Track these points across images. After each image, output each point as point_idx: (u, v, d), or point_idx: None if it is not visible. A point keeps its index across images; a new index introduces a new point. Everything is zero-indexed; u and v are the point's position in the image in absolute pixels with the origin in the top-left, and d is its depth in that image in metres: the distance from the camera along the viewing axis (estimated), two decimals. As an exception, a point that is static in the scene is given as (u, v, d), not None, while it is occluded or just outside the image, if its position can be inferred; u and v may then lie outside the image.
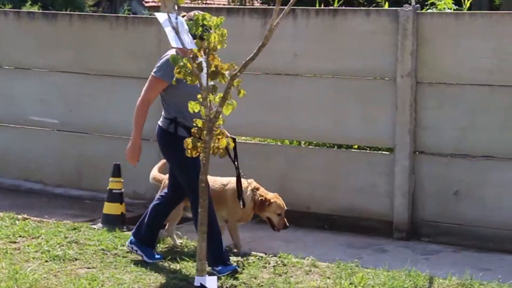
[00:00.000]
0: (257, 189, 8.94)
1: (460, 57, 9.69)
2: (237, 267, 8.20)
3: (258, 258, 8.67)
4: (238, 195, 8.66)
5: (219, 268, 8.12)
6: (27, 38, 12.07)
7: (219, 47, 7.30)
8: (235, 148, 8.03)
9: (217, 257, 8.18)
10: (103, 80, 11.64)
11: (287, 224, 8.87)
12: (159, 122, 8.58)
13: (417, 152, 9.95)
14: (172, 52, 7.81)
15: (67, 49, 11.82)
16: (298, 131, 10.50)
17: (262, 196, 8.89)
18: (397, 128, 9.92)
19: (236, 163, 8.44)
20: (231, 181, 8.93)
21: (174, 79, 7.40)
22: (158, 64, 8.39)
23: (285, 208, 8.89)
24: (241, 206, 8.67)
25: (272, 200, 8.87)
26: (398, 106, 9.89)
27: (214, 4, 25.86)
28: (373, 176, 10.11)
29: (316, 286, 7.86)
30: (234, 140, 7.99)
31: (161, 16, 7.51)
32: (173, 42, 7.32)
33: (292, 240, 9.56)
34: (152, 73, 8.36)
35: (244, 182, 8.80)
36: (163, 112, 8.55)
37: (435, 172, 9.87)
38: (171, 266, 8.49)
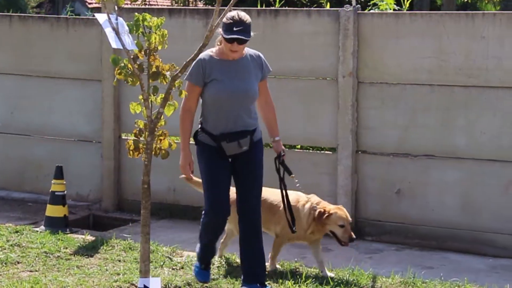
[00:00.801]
0: (318, 203, 8.26)
1: (401, 57, 9.75)
2: None
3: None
4: (288, 215, 7.96)
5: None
6: (-34, 40, 11.97)
7: (160, 47, 7.28)
8: (284, 164, 7.94)
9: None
10: (45, 81, 11.57)
11: (354, 236, 8.12)
12: None
13: (359, 152, 10.00)
14: (202, 54, 7.44)
15: (7, 51, 11.73)
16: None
17: (321, 208, 8.19)
18: (339, 128, 9.96)
19: (283, 181, 7.97)
20: (290, 196, 8.18)
21: (115, 80, 7.38)
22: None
23: (350, 219, 8.24)
24: (291, 231, 7.98)
25: (331, 211, 8.12)
26: (340, 106, 9.93)
27: (157, 5, 25.74)
28: (316, 175, 10.13)
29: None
30: (281, 155, 7.91)
31: (101, 17, 7.44)
32: (113, 43, 7.26)
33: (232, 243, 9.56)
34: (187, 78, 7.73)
35: (302, 198, 8.36)
36: None
37: (378, 172, 9.93)
38: (115, 268, 8.45)
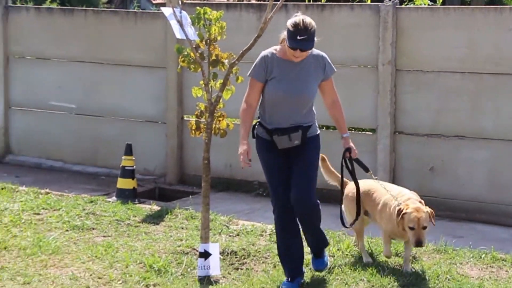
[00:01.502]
0: (405, 201, 7.28)
1: (435, 47, 9.71)
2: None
3: (255, 227, 8.71)
4: (356, 208, 7.48)
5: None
6: (46, 32, 12.07)
7: (219, 38, 7.35)
8: (359, 161, 7.42)
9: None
10: (116, 69, 11.65)
11: (420, 241, 7.05)
12: None
13: (397, 133, 9.98)
14: (264, 51, 7.05)
15: (82, 41, 11.82)
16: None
17: (400, 207, 7.20)
18: (379, 111, 9.96)
19: (353, 174, 7.46)
20: (400, 193, 7.50)
21: (179, 67, 7.44)
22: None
23: (423, 224, 7.07)
24: (349, 225, 7.58)
25: (406, 211, 7.10)
26: (380, 91, 9.92)
27: (214, 0, 25.77)
28: (358, 154, 10.10)
29: (308, 252, 7.90)
30: (350, 151, 7.36)
31: (167, 11, 7.54)
32: (178, 33, 7.35)
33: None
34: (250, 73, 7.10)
35: (399, 195, 7.43)
36: None
37: (413, 150, 9.91)
38: (178, 234, 8.54)
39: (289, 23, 6.83)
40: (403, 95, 9.91)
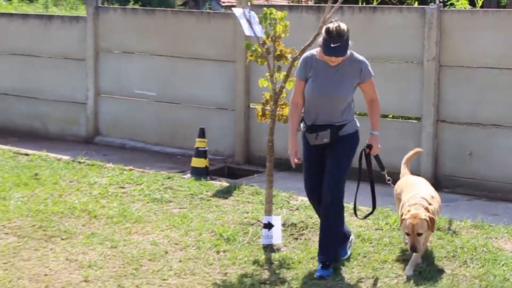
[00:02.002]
0: (410, 205, 6.76)
1: (474, 45, 9.58)
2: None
3: (304, 203, 8.68)
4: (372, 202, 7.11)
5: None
6: (131, 29, 12.14)
7: (283, 35, 7.35)
8: (378, 158, 7.05)
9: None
10: (191, 62, 11.67)
11: (415, 247, 6.56)
12: None
13: (439, 121, 9.87)
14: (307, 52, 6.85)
15: (162, 38, 11.87)
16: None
17: (404, 212, 6.74)
18: (424, 101, 9.86)
19: (370, 170, 7.06)
20: (414, 196, 6.98)
21: (247, 61, 7.45)
22: None
23: (417, 231, 6.55)
24: (363, 217, 7.37)
25: (404, 217, 6.67)
26: (425, 84, 9.82)
27: (277, 2, 25.74)
28: (404, 140, 10.07)
29: (359, 225, 7.88)
30: (370, 147, 6.92)
31: (237, 11, 7.54)
32: (247, 31, 7.36)
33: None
34: (296, 73, 6.93)
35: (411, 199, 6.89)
36: None
37: (454, 137, 9.80)
38: (244, 208, 8.56)
39: (324, 30, 6.55)
40: (446, 87, 9.79)
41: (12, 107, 13.39)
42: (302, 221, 7.96)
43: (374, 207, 7.08)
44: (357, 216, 7.18)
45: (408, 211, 6.66)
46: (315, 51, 6.76)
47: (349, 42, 6.60)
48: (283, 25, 7.28)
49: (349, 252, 7.04)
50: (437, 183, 9.80)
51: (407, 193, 7.10)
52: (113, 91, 12.41)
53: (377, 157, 7.01)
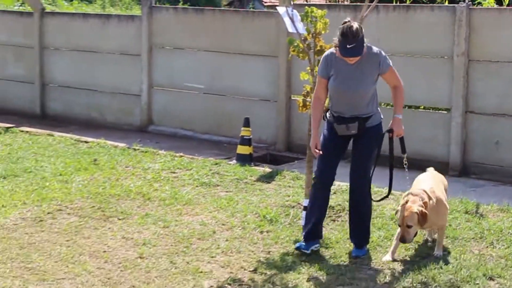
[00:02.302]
0: (409, 196, 6.51)
1: (502, 41, 9.47)
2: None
3: (344, 188, 8.65)
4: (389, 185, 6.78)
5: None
6: (182, 27, 12.18)
7: (323, 32, 7.31)
8: (401, 141, 6.71)
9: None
10: (236, 57, 11.69)
11: (404, 238, 6.34)
12: None
13: (467, 112, 9.77)
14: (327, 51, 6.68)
15: (210, 35, 11.89)
16: (379, 96, 10.35)
17: (402, 202, 6.51)
18: (453, 93, 9.76)
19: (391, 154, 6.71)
20: (414, 187, 6.80)
21: (290, 56, 7.42)
22: None
23: (407, 223, 6.30)
24: (377, 199, 6.99)
25: (397, 208, 6.57)
26: (454, 77, 9.72)
27: (316, 1, 25.62)
28: (434, 129, 10.00)
29: (392, 208, 7.83)
30: (391, 131, 6.59)
31: (281, 9, 7.53)
32: (290, 28, 7.34)
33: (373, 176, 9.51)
34: (318, 72, 6.75)
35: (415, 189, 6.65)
36: None
37: (481, 127, 9.70)
38: (286, 191, 8.56)
39: (339, 31, 6.32)
40: (474, 81, 9.69)
41: (73, 98, 13.53)
42: (339, 204, 7.94)
43: (389, 191, 6.78)
44: (371, 199, 6.80)
45: (404, 204, 6.41)
46: (335, 49, 6.52)
47: (364, 40, 6.35)
48: (323, 23, 7.25)
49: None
50: (465, 170, 9.75)
51: (414, 186, 6.85)
52: (165, 84, 12.46)
53: (401, 139, 6.70)
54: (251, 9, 23.89)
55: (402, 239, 6.38)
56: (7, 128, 12.37)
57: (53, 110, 13.81)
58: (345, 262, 6.48)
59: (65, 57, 13.59)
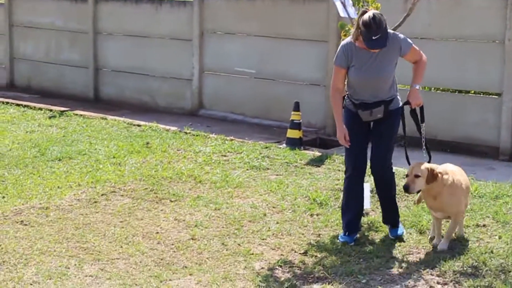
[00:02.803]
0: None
1: (555, 25, 9.31)
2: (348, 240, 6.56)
3: (398, 172, 8.56)
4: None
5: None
6: (233, 12, 12.17)
7: (375, 17, 7.21)
8: (422, 111, 6.60)
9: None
10: (286, 42, 11.63)
11: (407, 186, 6.18)
12: None
13: (519, 96, 9.64)
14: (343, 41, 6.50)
15: (260, 20, 11.86)
16: (430, 80, 10.25)
17: None
18: (505, 78, 9.59)
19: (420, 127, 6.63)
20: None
21: (341, 40, 7.34)
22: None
23: (413, 173, 6.21)
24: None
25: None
26: (506, 62, 9.55)
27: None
28: (485, 113, 9.85)
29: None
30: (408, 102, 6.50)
31: (333, -7, 7.48)
32: (342, 12, 7.30)
33: (422, 160, 9.40)
34: (335, 62, 6.52)
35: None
36: None
37: (533, 112, 9.56)
38: (335, 175, 8.51)
39: (361, 22, 6.13)
40: (526, 65, 9.54)
41: (126, 83, 13.63)
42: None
43: (430, 157, 6.55)
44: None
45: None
46: (352, 38, 6.35)
47: (388, 29, 6.20)
48: (375, 7, 7.18)
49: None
50: (516, 154, 9.60)
51: None
52: (216, 69, 12.47)
53: (421, 108, 6.55)
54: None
55: (405, 186, 6.20)
56: (62, 111, 12.52)
57: (106, 94, 13.94)
58: (394, 245, 6.43)
59: (118, 42, 13.70)
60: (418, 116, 6.59)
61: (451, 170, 6.45)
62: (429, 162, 6.47)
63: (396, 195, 6.83)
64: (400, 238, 6.55)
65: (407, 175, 6.29)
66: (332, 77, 6.52)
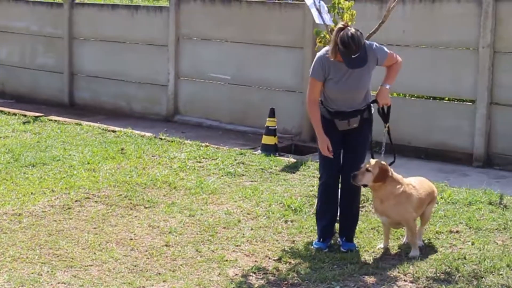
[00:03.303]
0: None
1: (528, 33, 9.40)
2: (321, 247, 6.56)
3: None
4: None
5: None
6: (209, 18, 12.16)
7: (350, 23, 7.24)
8: (386, 111, 6.54)
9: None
10: (262, 48, 11.64)
11: (355, 177, 6.24)
12: None
13: (492, 103, 9.67)
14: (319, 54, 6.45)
15: (237, 26, 11.86)
16: (404, 87, 10.33)
17: None
18: (478, 85, 9.67)
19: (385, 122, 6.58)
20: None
21: (316, 47, 7.36)
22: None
23: (366, 166, 6.26)
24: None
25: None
26: (480, 69, 9.63)
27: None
28: (459, 120, 9.91)
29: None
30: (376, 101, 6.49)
31: (308, 0, 7.49)
32: (317, 19, 7.30)
33: (397, 166, 9.42)
34: (311, 75, 6.48)
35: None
36: None
37: (506, 118, 9.59)
38: (310, 181, 8.53)
39: (339, 41, 6.09)
40: (499, 72, 9.58)
41: (101, 88, 13.58)
42: (363, 195, 7.87)
43: (394, 159, 6.60)
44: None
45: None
46: (327, 51, 6.31)
47: (365, 44, 6.18)
48: (350, 14, 7.20)
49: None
50: (489, 161, 9.68)
51: None
52: (192, 74, 12.45)
53: (388, 108, 6.51)
54: (278, 0, 23.82)
55: (353, 176, 6.21)
56: (36, 117, 12.44)
57: (81, 100, 13.87)
58: (368, 251, 6.45)
59: (93, 47, 13.64)
60: (384, 116, 6.56)
61: (409, 181, 6.40)
62: (392, 163, 6.50)
63: (359, 209, 6.79)
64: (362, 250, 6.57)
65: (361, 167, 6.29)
66: (308, 89, 6.48)
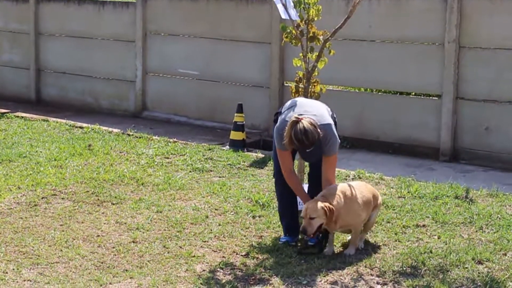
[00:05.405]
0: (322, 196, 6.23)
1: (493, 28, 9.42)
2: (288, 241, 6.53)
3: (340, 172, 8.64)
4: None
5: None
6: (176, 14, 12.12)
7: (315, 19, 7.27)
8: None
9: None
10: (230, 44, 11.63)
11: (305, 229, 6.07)
12: None
13: (458, 98, 9.73)
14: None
15: (204, 22, 11.83)
16: (371, 82, 10.39)
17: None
18: (444, 80, 9.72)
19: None
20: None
21: (283, 42, 7.33)
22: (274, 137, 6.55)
23: (307, 215, 6.05)
24: None
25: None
26: (445, 64, 9.69)
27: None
28: (425, 115, 9.97)
29: (383, 193, 7.82)
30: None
31: (274, -4, 7.48)
32: (283, 14, 7.29)
33: (365, 161, 9.51)
34: (276, 146, 6.45)
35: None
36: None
37: (472, 113, 9.66)
38: (278, 177, 8.52)
39: (293, 136, 5.97)
40: (465, 67, 9.64)
41: (68, 84, 13.47)
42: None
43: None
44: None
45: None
46: (285, 143, 6.14)
47: (319, 133, 6.02)
48: (316, 9, 7.20)
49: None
50: (456, 155, 9.74)
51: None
52: (159, 70, 12.40)
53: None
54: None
55: (303, 230, 6.06)
56: (2, 113, 12.31)
57: (48, 96, 13.75)
58: (336, 246, 6.46)
59: (60, 43, 13.52)
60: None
61: (341, 190, 6.21)
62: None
63: None
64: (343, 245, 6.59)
65: (302, 217, 6.09)
66: (280, 161, 6.39)
